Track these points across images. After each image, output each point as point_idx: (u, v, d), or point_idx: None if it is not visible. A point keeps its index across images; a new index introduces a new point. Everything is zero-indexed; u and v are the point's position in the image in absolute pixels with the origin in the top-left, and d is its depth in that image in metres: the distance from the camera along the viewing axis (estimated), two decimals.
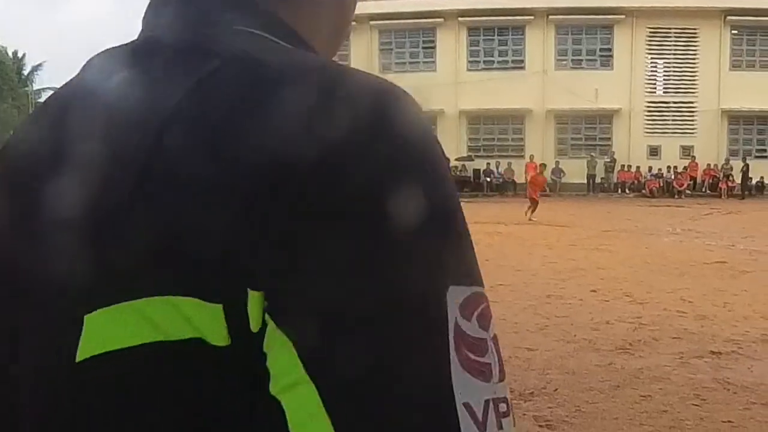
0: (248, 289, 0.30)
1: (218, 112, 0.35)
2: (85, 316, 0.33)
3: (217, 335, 0.31)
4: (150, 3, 0.48)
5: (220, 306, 0.30)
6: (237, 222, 0.31)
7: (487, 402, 0.29)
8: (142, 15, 0.47)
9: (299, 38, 0.45)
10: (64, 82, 0.50)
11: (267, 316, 0.30)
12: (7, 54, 48.07)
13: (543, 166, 26.99)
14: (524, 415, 4.56)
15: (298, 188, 0.30)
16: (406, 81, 28.12)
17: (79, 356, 0.33)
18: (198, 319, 0.31)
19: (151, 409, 0.33)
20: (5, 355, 0.39)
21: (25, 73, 50.37)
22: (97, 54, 0.49)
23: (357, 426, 0.28)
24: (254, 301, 0.30)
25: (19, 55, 50.89)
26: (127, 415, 0.34)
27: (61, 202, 0.38)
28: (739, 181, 28.64)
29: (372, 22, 32.31)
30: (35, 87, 50.25)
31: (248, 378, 0.31)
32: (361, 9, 26.41)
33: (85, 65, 0.48)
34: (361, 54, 32.23)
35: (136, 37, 0.48)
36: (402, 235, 0.30)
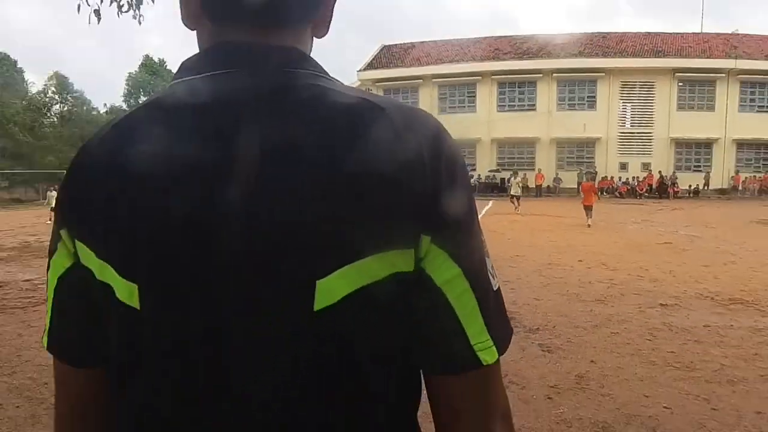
0: (422, 235, 0.44)
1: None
2: (317, 281, 0.41)
3: (408, 266, 0.44)
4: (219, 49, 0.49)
5: (412, 250, 0.44)
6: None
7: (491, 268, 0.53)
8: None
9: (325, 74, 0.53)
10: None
11: (432, 245, 0.45)
12: None
13: (590, 174, 28.75)
14: (532, 343, 5.00)
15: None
16: (455, 119, 36.09)
17: (316, 307, 0.41)
18: (398, 262, 0.43)
19: (370, 327, 0.45)
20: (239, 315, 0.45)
21: None
22: (183, 80, 0.50)
23: (479, 294, 0.46)
24: (425, 241, 0.44)
25: None
26: (354, 335, 0.45)
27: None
28: (683, 187, 32.41)
29: (434, 80, 37.86)
30: None
31: (420, 285, 0.46)
32: (427, 71, 40.98)
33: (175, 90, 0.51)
34: (426, 100, 38.31)
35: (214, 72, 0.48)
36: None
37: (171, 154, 0.44)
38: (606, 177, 35.23)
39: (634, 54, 35.20)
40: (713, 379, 3.83)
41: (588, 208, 16.46)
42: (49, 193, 20.11)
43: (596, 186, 30.71)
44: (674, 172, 33.71)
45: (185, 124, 0.46)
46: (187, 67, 0.51)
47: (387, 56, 42.08)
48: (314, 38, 0.56)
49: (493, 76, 37.19)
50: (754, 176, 32.54)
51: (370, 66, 41.28)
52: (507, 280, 7.68)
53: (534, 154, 36.58)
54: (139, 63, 47.34)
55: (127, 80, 46.61)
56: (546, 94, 36.16)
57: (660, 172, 34.33)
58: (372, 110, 0.45)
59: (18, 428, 3.16)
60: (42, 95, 40.97)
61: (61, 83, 41.71)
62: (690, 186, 32.78)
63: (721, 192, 33.05)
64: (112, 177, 0.46)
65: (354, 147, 0.43)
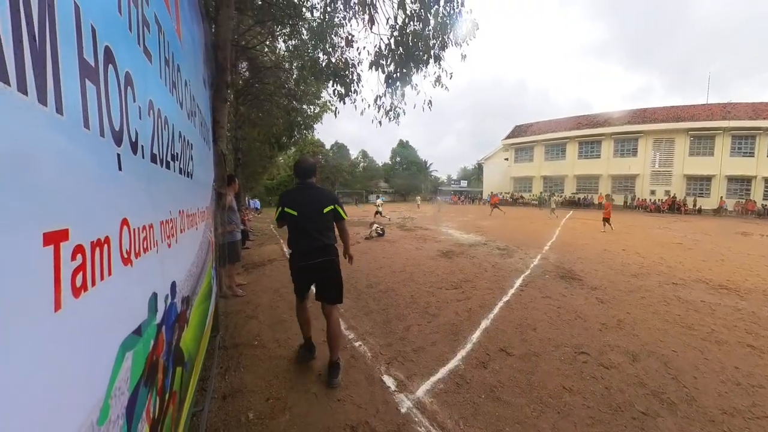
0: (334, 205, 3.01)
1: (320, 195, 3.02)
2: (323, 209, 2.98)
3: (331, 208, 3.05)
4: (299, 181, 3.15)
5: (332, 206, 3.03)
6: (333, 201, 3.00)
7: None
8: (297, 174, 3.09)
9: (316, 184, 2.97)
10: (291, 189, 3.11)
11: (335, 206, 2.97)
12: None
13: (609, 197, 28.05)
14: (593, 296, 5.34)
15: (332, 203, 2.95)
16: (554, 164, 39.17)
17: (324, 211, 2.99)
18: (331, 207, 3.04)
19: (330, 219, 3.07)
20: (305, 218, 2.98)
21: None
22: (297, 187, 3.10)
23: (342, 213, 3.10)
24: (335, 205, 3.03)
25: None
26: (325, 220, 3.03)
27: (311, 209, 2.96)
28: (688, 207, 31.27)
29: (543, 142, 41.33)
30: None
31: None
32: (539, 138, 40.76)
33: (297, 187, 3.13)
34: (538, 154, 41.37)
35: (299, 183, 3.09)
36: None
37: (297, 196, 3.03)
38: (640, 198, 33.19)
39: (662, 120, 32.62)
40: (706, 338, 3.84)
41: (606, 220, 14.82)
42: (379, 199, 22.76)
43: (637, 204, 31.11)
44: (685, 197, 31.71)
45: (297, 192, 3.03)
46: (297, 183, 3.09)
47: (517, 130, 46.09)
48: (316, 178, 3.07)
49: (576, 138, 37.86)
50: (738, 201, 30.03)
51: (509, 136, 45.50)
52: (579, 257, 8.19)
53: (598, 184, 36.52)
54: (398, 142, 66.91)
55: (392, 150, 66.58)
56: (607, 148, 35.84)
57: (675, 195, 31.82)
58: (325, 190, 3.02)
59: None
60: (355, 159, 61.54)
61: (364, 153, 64.19)
62: (695, 206, 30.54)
63: (715, 211, 29.68)
64: (288, 198, 3.03)
65: (322, 195, 3.00)
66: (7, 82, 0.58)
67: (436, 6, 5.03)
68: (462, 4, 5.13)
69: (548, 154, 40.80)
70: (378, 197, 22.60)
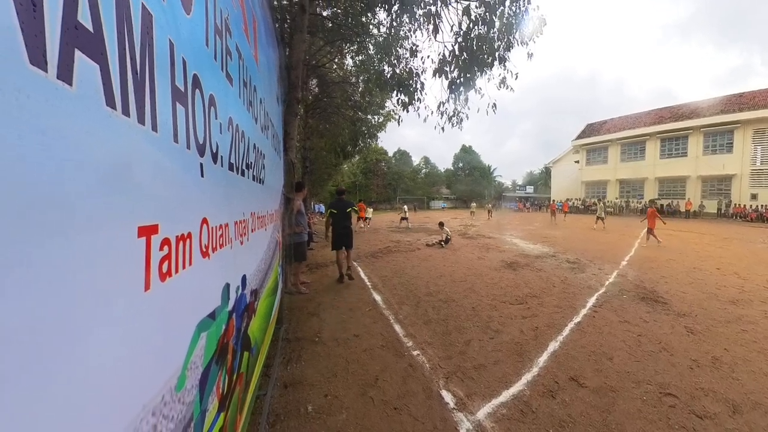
0: (353, 207, 6.80)
1: (347, 203, 6.72)
2: (347, 210, 6.68)
3: (351, 208, 6.75)
4: (338, 196, 6.98)
5: (350, 209, 6.75)
6: (351, 206, 6.68)
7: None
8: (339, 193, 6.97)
9: (345, 197, 6.66)
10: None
11: (352, 209, 6.81)
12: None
13: (653, 203, 23.43)
14: (680, 324, 4.64)
15: (351, 207, 6.52)
16: (630, 165, 35.69)
17: (347, 210, 6.80)
18: (350, 209, 6.76)
19: (350, 213, 6.81)
20: (341, 213, 6.74)
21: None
22: (337, 199, 6.81)
23: (353, 209, 6.94)
24: (352, 207, 6.71)
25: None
26: (348, 215, 6.82)
27: (343, 209, 6.63)
28: None
29: (618, 141, 38.51)
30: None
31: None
32: (613, 136, 37.64)
33: (336, 198, 6.90)
34: (613, 154, 38.68)
35: (338, 196, 6.80)
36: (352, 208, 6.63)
37: (336, 202, 6.68)
38: (738, 204, 28.79)
39: (764, 106, 28.35)
40: None
41: (651, 231, 12.79)
42: (406, 206, 22.57)
43: (733, 211, 27.40)
44: None
45: (336, 201, 6.69)
46: (335, 197, 6.79)
47: (589, 129, 43.46)
48: (345, 195, 6.91)
49: (657, 135, 34.37)
50: None
51: (579, 136, 43.12)
52: (663, 276, 7.40)
53: (685, 187, 32.60)
54: (460, 147, 66.49)
55: (454, 156, 66.31)
56: (695, 144, 31.86)
57: None
58: (348, 201, 6.76)
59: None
60: (418, 166, 63.03)
61: (426, 160, 64.86)
62: None
63: None
64: (332, 204, 6.65)
65: (347, 203, 6.73)
66: (113, 107, 0.72)
67: (501, 7, 5.00)
68: (528, 2, 5.05)
69: (624, 154, 37.74)
70: (404, 204, 24.84)
